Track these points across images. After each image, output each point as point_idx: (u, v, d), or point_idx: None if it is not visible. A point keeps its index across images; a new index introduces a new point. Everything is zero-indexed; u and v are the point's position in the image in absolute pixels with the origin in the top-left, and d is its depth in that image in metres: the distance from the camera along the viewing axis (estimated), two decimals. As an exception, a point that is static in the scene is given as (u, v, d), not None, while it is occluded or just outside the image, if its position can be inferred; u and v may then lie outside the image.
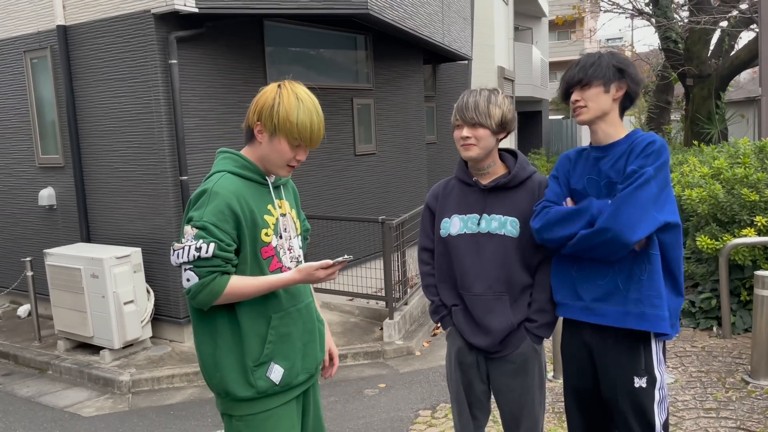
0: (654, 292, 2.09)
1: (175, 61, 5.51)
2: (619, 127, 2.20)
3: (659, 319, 2.09)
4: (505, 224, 2.32)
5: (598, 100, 2.14)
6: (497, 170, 2.39)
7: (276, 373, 1.98)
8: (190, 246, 1.84)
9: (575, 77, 2.16)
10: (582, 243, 2.09)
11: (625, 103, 2.19)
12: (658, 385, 2.14)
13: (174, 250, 1.88)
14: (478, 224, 2.34)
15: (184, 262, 1.86)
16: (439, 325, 2.55)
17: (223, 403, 2.03)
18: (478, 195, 2.37)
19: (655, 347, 2.16)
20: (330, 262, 1.95)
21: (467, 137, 2.28)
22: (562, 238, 2.16)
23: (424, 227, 2.54)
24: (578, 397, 2.32)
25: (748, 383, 4.11)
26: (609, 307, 2.14)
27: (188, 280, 1.86)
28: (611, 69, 2.13)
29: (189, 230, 1.87)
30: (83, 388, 5.18)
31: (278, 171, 2.01)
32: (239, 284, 1.89)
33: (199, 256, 1.83)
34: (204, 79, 5.91)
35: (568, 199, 2.24)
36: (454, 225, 2.38)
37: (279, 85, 1.96)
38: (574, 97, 2.18)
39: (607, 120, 2.17)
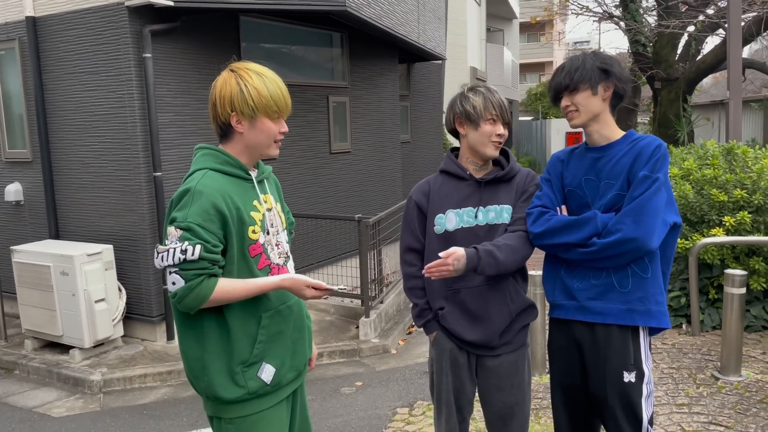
0: (657, 289, 2.16)
1: (150, 55, 5.42)
2: (612, 127, 2.23)
3: (662, 315, 2.17)
4: (501, 213, 2.35)
5: (587, 103, 2.17)
6: (490, 165, 2.44)
7: (267, 372, 1.93)
8: (175, 248, 1.77)
9: (562, 84, 2.20)
10: (600, 252, 2.11)
11: (615, 102, 2.22)
12: (645, 380, 2.18)
13: (158, 253, 1.81)
14: (476, 217, 2.35)
15: (169, 265, 1.79)
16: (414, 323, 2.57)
17: (212, 406, 1.96)
18: (474, 188, 2.38)
19: (644, 342, 2.20)
20: (324, 285, 1.92)
21: (502, 134, 2.35)
22: (560, 245, 2.20)
23: (411, 227, 2.47)
24: (566, 394, 2.34)
25: (718, 379, 4.21)
26: (608, 305, 2.17)
27: (174, 283, 1.79)
28: (596, 71, 2.15)
29: (173, 231, 1.79)
30: (52, 388, 5.06)
31: (269, 151, 1.98)
32: (227, 287, 1.83)
33: (184, 259, 1.77)
34: (179, 74, 5.81)
35: (563, 207, 2.28)
36: (449, 220, 2.37)
37: (231, 70, 1.92)
38: (563, 103, 2.22)
39: (600, 121, 2.21)
